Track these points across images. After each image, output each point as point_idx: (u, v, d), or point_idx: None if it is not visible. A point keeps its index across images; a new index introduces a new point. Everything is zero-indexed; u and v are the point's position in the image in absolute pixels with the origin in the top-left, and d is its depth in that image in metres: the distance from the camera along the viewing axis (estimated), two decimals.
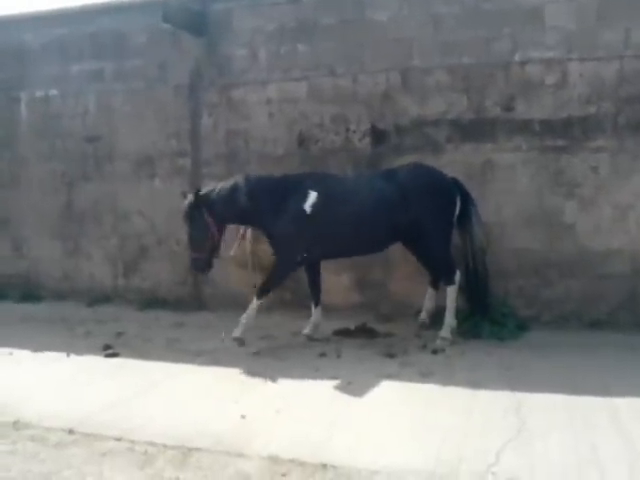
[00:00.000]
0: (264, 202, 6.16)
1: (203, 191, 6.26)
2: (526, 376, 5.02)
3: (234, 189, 6.21)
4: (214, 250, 6.24)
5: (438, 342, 6.05)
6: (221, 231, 6.25)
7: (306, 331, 6.46)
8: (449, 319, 6.22)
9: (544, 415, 4.24)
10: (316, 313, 6.53)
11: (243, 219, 6.38)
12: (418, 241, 6.35)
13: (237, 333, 6.16)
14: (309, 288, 6.58)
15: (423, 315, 6.65)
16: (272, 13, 7.68)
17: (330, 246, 6.24)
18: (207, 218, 6.11)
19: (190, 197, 6.17)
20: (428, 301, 6.66)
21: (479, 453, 3.72)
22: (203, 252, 6.18)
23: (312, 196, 6.11)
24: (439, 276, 6.54)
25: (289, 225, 6.09)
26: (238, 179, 6.32)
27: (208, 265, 6.28)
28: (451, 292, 6.25)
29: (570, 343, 6.04)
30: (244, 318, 6.18)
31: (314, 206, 6.08)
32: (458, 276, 6.27)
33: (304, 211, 6.08)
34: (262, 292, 6.20)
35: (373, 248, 6.45)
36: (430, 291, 6.65)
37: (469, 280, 6.42)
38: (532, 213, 6.80)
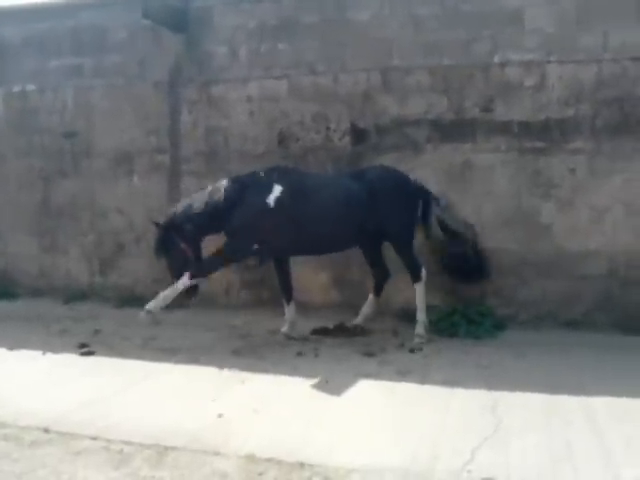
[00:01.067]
0: (226, 204, 6.07)
1: (167, 218, 6.15)
2: (503, 375, 5.06)
3: (194, 204, 6.15)
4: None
5: (416, 340, 6.09)
6: (198, 251, 6.19)
7: (284, 329, 6.45)
8: (421, 316, 6.30)
9: (520, 414, 4.27)
10: (290, 310, 6.50)
11: (215, 227, 6.23)
12: (381, 241, 6.50)
13: (150, 306, 6.01)
14: (280, 285, 6.54)
15: (359, 319, 6.66)
16: (253, 11, 7.66)
17: (294, 242, 6.17)
18: (180, 244, 6.06)
19: (158, 229, 6.10)
20: (367, 307, 6.69)
21: (455, 451, 3.74)
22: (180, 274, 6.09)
23: (277, 190, 6.07)
24: (383, 284, 6.67)
25: (248, 217, 6.01)
26: (199, 192, 6.29)
27: (194, 290, 6.20)
28: (419, 289, 6.32)
29: (546, 342, 6.10)
30: (165, 293, 6.03)
31: (278, 200, 6.04)
32: (424, 273, 6.33)
33: (267, 204, 6.03)
34: (196, 273, 6.04)
35: (337, 246, 6.47)
36: (371, 297, 6.69)
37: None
38: (510, 213, 6.86)
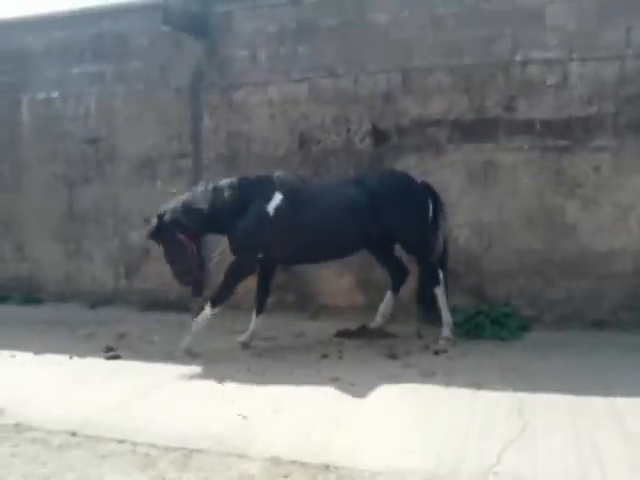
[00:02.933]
0: (226, 206, 5.98)
1: (163, 210, 6.00)
2: (528, 376, 5.00)
3: (195, 200, 6.03)
4: (199, 267, 6.06)
5: (441, 342, 6.06)
6: (198, 245, 6.05)
7: (242, 338, 6.29)
8: (446, 318, 6.23)
9: (546, 416, 4.22)
10: (257, 322, 6.31)
11: (211, 228, 6.12)
12: (390, 244, 6.43)
13: (185, 344, 5.99)
14: (258, 293, 6.34)
15: (378, 319, 6.59)
16: (273, 15, 7.69)
17: (295, 250, 6.11)
18: (179, 236, 5.89)
19: (153, 222, 5.95)
20: (385, 305, 6.61)
21: (481, 453, 3.71)
22: (191, 272, 5.98)
23: (277, 198, 6.00)
24: (400, 282, 6.57)
25: (250, 226, 5.94)
26: (198, 188, 6.19)
27: (201, 284, 6.14)
28: (439, 292, 6.24)
29: (572, 343, 6.04)
30: (193, 327, 6.03)
31: (278, 209, 5.97)
32: (442, 275, 6.26)
33: (267, 213, 5.96)
34: (217, 301, 6.01)
35: (338, 253, 6.38)
36: (388, 295, 6.61)
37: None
38: (534, 213, 6.80)
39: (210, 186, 6.12)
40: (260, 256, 6.07)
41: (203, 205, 5.99)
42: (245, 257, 6.08)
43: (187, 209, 5.99)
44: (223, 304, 6.07)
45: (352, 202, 6.05)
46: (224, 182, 6.17)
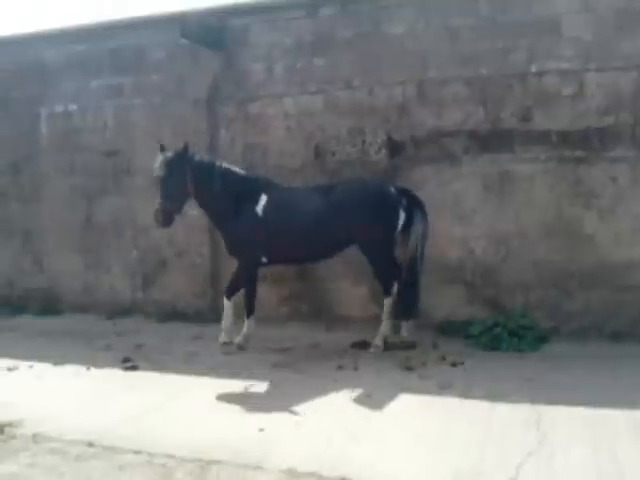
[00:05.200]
0: (227, 199, 6.45)
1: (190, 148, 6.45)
2: (546, 389, 4.97)
3: (213, 168, 6.47)
4: (181, 206, 6.43)
5: (371, 350, 6.32)
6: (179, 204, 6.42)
7: (238, 340, 6.62)
8: (383, 329, 6.43)
9: (565, 428, 4.19)
10: (250, 323, 6.65)
11: (204, 201, 6.54)
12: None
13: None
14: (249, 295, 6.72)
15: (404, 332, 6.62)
16: (289, 27, 7.74)
17: (278, 250, 6.48)
18: (189, 173, 6.30)
19: (179, 149, 6.32)
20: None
21: (499, 467, 3.68)
22: (174, 205, 6.33)
23: (263, 199, 6.43)
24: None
25: (244, 229, 6.39)
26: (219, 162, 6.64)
27: (171, 219, 6.41)
28: (387, 304, 6.43)
29: (590, 355, 5.99)
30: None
31: (265, 209, 6.40)
32: (395, 288, 6.38)
33: (256, 214, 6.38)
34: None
35: (316, 256, 6.68)
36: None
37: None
38: (551, 224, 6.76)
39: (223, 170, 6.58)
40: (265, 260, 6.54)
41: (216, 180, 6.42)
42: (246, 262, 6.59)
43: (203, 171, 6.42)
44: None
45: (315, 209, 6.31)
46: (232, 173, 6.65)
